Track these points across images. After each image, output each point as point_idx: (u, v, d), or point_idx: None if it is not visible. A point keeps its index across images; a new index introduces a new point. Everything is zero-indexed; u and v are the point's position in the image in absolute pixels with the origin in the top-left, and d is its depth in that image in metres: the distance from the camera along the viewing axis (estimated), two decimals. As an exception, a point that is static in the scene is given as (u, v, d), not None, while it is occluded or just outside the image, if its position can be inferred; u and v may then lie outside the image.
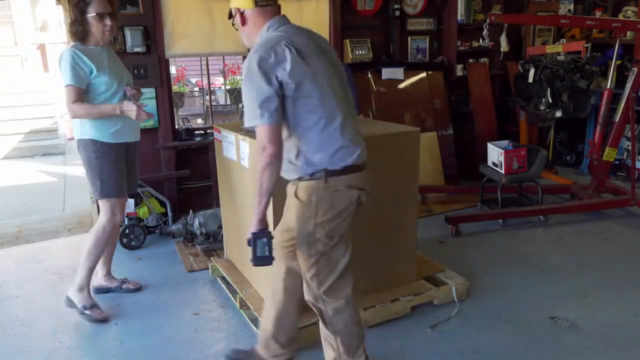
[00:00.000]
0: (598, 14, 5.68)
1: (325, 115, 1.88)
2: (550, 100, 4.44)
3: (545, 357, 2.46)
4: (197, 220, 3.75)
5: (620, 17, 5.48)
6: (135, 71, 3.97)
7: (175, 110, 5.92)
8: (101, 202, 2.84)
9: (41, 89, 8.54)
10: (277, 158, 1.85)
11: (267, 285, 2.29)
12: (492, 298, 3.01)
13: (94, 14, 2.65)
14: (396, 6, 4.83)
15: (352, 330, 2.12)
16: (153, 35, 4.00)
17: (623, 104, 4.22)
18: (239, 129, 2.82)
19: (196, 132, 4.52)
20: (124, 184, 2.86)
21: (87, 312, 2.84)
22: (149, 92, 4.06)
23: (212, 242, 3.74)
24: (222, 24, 4.28)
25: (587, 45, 4.95)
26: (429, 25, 5.11)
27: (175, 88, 8.88)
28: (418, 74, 4.94)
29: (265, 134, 1.82)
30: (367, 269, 2.82)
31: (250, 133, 2.69)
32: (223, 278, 3.18)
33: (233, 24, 2.11)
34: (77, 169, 6.48)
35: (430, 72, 4.99)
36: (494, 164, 4.30)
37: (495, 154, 4.27)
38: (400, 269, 2.95)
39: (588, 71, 4.45)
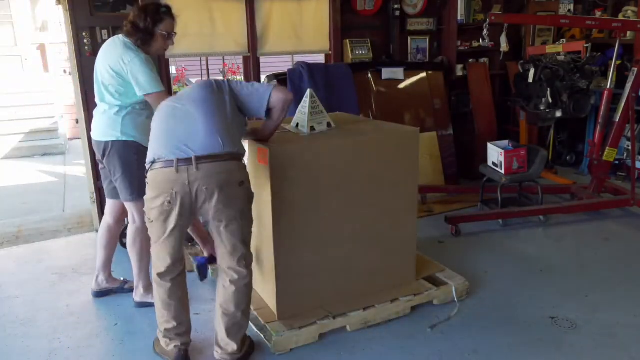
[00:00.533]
0: (598, 14, 5.68)
1: None
2: (550, 100, 4.44)
3: (545, 357, 2.47)
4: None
5: (620, 17, 5.47)
6: (135, 71, 3.98)
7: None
8: (135, 204, 2.80)
9: (41, 89, 8.54)
10: None
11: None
12: (492, 298, 3.01)
13: (164, 32, 2.71)
14: (396, 6, 4.83)
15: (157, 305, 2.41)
16: (153, 35, 4.00)
17: (623, 104, 4.22)
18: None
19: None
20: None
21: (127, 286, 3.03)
22: (149, 92, 4.06)
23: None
24: (222, 24, 4.29)
25: (587, 45, 4.95)
26: (429, 25, 5.11)
27: (175, 88, 8.85)
28: (418, 74, 4.94)
29: None
30: (367, 269, 2.82)
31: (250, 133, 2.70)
32: (223, 278, 3.17)
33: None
34: (77, 169, 6.48)
35: (430, 72, 4.99)
36: (494, 164, 4.31)
37: (495, 154, 4.27)
38: (400, 269, 2.95)
39: (588, 71, 4.45)
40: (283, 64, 7.30)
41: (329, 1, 4.61)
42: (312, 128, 2.74)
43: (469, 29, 5.24)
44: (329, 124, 2.82)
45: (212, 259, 2.81)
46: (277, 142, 2.52)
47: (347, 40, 4.77)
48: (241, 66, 5.30)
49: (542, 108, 4.52)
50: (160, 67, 4.07)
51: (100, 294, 3.11)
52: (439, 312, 2.86)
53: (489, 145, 4.37)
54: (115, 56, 2.65)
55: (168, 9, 2.74)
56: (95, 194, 4.10)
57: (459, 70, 5.21)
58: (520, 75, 4.74)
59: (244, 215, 2.29)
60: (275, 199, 2.46)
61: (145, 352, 2.56)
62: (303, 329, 2.55)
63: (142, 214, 2.77)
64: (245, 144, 2.65)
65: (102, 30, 3.86)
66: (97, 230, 4.19)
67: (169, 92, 4.18)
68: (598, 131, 4.31)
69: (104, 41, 3.84)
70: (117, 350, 2.60)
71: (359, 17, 4.80)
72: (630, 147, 4.59)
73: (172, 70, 8.76)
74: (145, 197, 2.29)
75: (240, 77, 9.66)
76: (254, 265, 2.82)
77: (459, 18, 5.08)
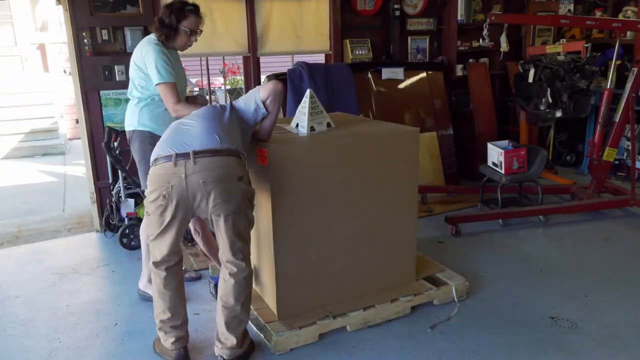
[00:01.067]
0: (598, 14, 5.68)
1: None
2: (550, 100, 4.44)
3: (545, 357, 2.47)
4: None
5: (620, 17, 5.47)
6: (135, 71, 3.98)
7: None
8: None
9: (41, 89, 8.54)
10: None
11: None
12: (492, 298, 3.01)
13: (187, 29, 2.78)
14: (396, 6, 4.83)
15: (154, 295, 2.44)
16: (153, 35, 4.00)
17: (623, 104, 4.22)
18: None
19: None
20: None
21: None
22: (149, 92, 4.07)
23: None
24: (222, 24, 4.29)
25: (587, 45, 4.95)
26: (429, 25, 5.12)
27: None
28: (418, 74, 4.94)
29: None
30: (367, 269, 2.82)
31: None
32: (223, 278, 3.17)
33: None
34: (77, 169, 6.48)
35: (430, 72, 4.99)
36: (494, 164, 4.31)
37: (495, 154, 4.27)
38: (400, 269, 2.95)
39: (588, 71, 4.45)
40: (283, 64, 7.29)
41: (329, 1, 4.62)
42: (312, 128, 2.74)
43: (469, 29, 5.24)
44: (328, 124, 2.82)
45: None
46: (276, 142, 2.52)
47: (347, 40, 4.77)
48: (241, 66, 5.30)
49: (542, 108, 4.52)
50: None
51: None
52: (439, 312, 2.86)
53: (489, 145, 4.37)
54: (138, 51, 2.81)
55: (195, 7, 2.82)
56: (95, 194, 4.11)
57: (459, 70, 5.21)
58: (520, 75, 4.75)
59: (241, 210, 2.29)
60: (275, 199, 2.46)
61: (145, 352, 2.56)
62: (303, 329, 2.55)
63: None
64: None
65: (102, 30, 3.86)
66: (97, 230, 4.21)
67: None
68: (598, 131, 4.31)
69: (104, 41, 3.89)
70: (117, 350, 2.60)
71: (359, 17, 4.81)
72: (630, 147, 4.59)
73: (172, 70, 8.76)
74: (146, 192, 2.33)
75: (240, 77, 9.66)
76: (254, 265, 2.83)
77: (459, 18, 5.08)
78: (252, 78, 4.55)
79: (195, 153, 2.20)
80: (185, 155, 2.20)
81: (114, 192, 3.95)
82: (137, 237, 3.81)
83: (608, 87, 4.27)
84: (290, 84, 4.35)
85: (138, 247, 3.80)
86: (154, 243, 2.37)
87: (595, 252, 3.64)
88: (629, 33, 5.03)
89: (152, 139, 2.79)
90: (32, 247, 4.01)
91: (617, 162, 4.94)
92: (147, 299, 2.98)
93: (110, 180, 4.00)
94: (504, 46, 4.35)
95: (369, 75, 4.73)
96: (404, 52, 5.08)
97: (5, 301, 3.11)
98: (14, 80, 8.53)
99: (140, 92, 2.83)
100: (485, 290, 3.10)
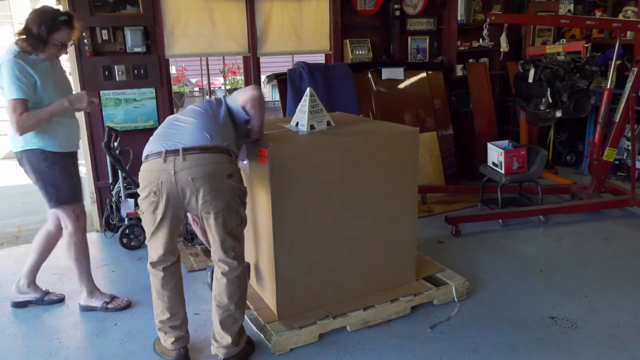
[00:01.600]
0: (598, 14, 5.68)
1: None
2: (550, 100, 4.43)
3: (545, 357, 2.46)
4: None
5: (620, 17, 5.47)
6: (135, 71, 3.98)
7: (175, 110, 5.91)
8: (61, 210, 2.77)
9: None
10: None
11: None
12: (492, 298, 3.01)
13: (58, 42, 2.59)
14: (396, 6, 4.83)
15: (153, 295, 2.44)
16: (153, 35, 4.00)
17: (623, 104, 4.22)
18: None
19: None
20: (80, 188, 2.85)
21: (111, 305, 2.93)
22: (149, 92, 4.07)
23: None
24: (222, 24, 4.29)
25: (587, 45, 4.95)
26: (429, 25, 5.12)
27: (175, 88, 8.88)
28: (418, 74, 4.94)
29: None
30: (367, 269, 2.82)
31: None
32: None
33: None
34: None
35: (430, 72, 4.99)
36: (494, 164, 4.31)
37: (495, 154, 4.27)
38: (400, 269, 2.95)
39: (588, 71, 4.45)
40: (283, 64, 7.30)
41: (329, 1, 4.62)
42: (312, 127, 2.74)
43: (469, 29, 5.24)
44: (328, 123, 2.82)
45: None
46: (276, 141, 2.52)
47: (347, 40, 4.77)
48: (241, 66, 5.30)
49: (542, 108, 4.52)
50: (160, 67, 4.08)
51: (18, 304, 3.00)
52: (439, 312, 2.86)
53: (489, 145, 4.37)
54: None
55: (69, 18, 2.61)
56: (95, 194, 4.11)
57: (459, 70, 5.21)
58: (520, 75, 4.74)
59: (231, 208, 2.27)
60: (275, 199, 2.46)
61: (145, 352, 2.56)
62: (303, 329, 2.55)
63: (71, 219, 2.79)
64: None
65: (102, 30, 3.86)
66: (97, 230, 4.20)
67: (168, 92, 4.20)
68: (598, 131, 4.31)
69: (104, 41, 3.89)
70: (117, 350, 2.60)
71: (359, 17, 4.81)
72: (630, 147, 4.59)
73: (172, 70, 8.77)
74: (139, 190, 2.32)
75: (240, 77, 9.66)
76: (254, 265, 2.83)
77: (459, 18, 5.08)
78: (252, 78, 4.55)
79: (185, 149, 2.20)
80: (175, 152, 2.20)
81: (114, 192, 3.95)
82: (137, 237, 3.81)
83: (608, 87, 4.27)
84: (290, 84, 4.35)
85: (138, 247, 3.81)
86: (150, 243, 2.36)
87: (595, 252, 3.64)
88: (629, 33, 5.02)
89: (44, 155, 2.65)
90: (32, 247, 4.00)
91: (617, 162, 4.94)
92: (89, 309, 2.97)
93: (110, 180, 4.00)
94: (504, 46, 4.35)
95: (369, 75, 4.73)
96: (404, 52, 5.08)
97: (6, 301, 3.11)
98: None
99: None
100: (485, 290, 3.10)
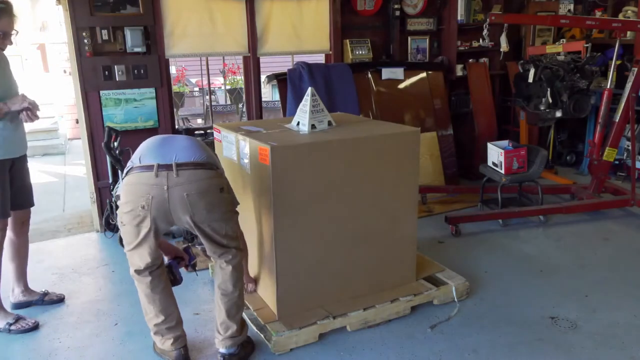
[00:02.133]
0: (598, 14, 5.68)
1: None
2: (550, 100, 4.43)
3: (545, 357, 2.46)
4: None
5: (620, 17, 5.47)
6: (135, 71, 3.98)
7: (175, 110, 5.92)
8: None
9: (41, 89, 8.54)
10: None
11: None
12: (492, 298, 3.01)
13: (0, 32, 2.53)
14: (396, 6, 4.83)
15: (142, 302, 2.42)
16: (153, 35, 4.00)
17: (623, 104, 4.22)
18: (238, 128, 2.82)
19: (196, 132, 4.53)
20: (7, 205, 2.68)
21: (14, 327, 2.75)
22: (149, 93, 4.07)
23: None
24: (222, 24, 4.29)
25: (587, 45, 4.95)
26: (429, 25, 5.12)
27: (175, 88, 8.87)
28: (418, 74, 4.95)
29: None
30: (367, 269, 2.82)
31: (251, 133, 2.70)
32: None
33: None
34: (77, 169, 6.48)
35: (430, 72, 4.99)
36: (494, 164, 4.31)
37: (495, 154, 4.27)
38: (400, 269, 2.95)
39: (588, 71, 4.45)
40: (283, 64, 7.30)
41: (329, 1, 4.62)
42: (313, 126, 2.74)
43: (469, 29, 5.24)
44: (329, 123, 2.82)
45: (180, 260, 2.69)
46: (277, 141, 2.52)
47: (347, 40, 4.77)
48: (241, 66, 5.30)
49: (542, 108, 4.52)
50: (160, 67, 4.08)
51: (20, 305, 3.00)
52: (439, 312, 2.86)
53: (489, 145, 4.37)
54: None
55: (6, 6, 2.54)
56: (95, 194, 4.11)
57: (459, 70, 5.21)
58: (520, 75, 4.74)
59: (226, 217, 2.32)
60: (276, 198, 2.46)
61: (145, 352, 2.56)
62: (303, 329, 2.55)
63: None
64: (246, 144, 2.65)
65: (102, 30, 3.86)
66: (97, 230, 4.21)
67: (168, 92, 4.20)
68: (598, 131, 4.31)
69: (104, 41, 3.89)
70: (117, 350, 2.60)
71: (359, 17, 4.81)
72: (630, 147, 4.59)
73: (172, 70, 8.77)
74: (119, 202, 2.27)
75: (240, 77, 9.66)
76: (254, 265, 2.83)
77: (459, 18, 5.08)
78: (252, 78, 4.55)
79: (178, 165, 2.18)
80: (168, 167, 2.18)
81: (114, 192, 3.95)
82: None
83: (608, 87, 4.27)
84: (290, 84, 4.35)
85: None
86: (132, 253, 2.31)
87: (595, 252, 3.64)
88: (629, 33, 5.02)
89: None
90: (32, 247, 3.95)
91: (617, 162, 4.94)
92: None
93: (110, 180, 4.00)
94: (504, 46, 4.35)
95: (369, 75, 4.73)
96: (404, 52, 5.08)
97: (5, 301, 3.10)
98: (13, 80, 8.53)
99: None
100: (485, 290, 3.10)
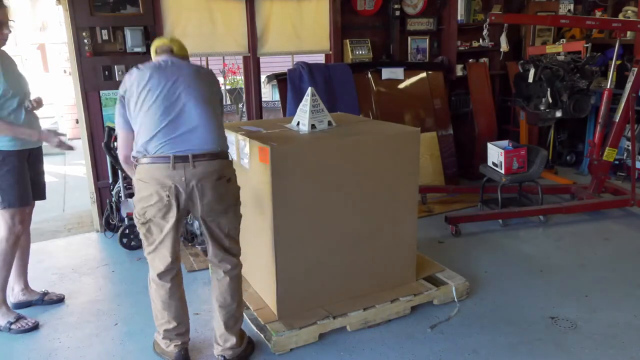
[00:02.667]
0: (598, 14, 5.68)
1: None
2: (550, 100, 4.43)
3: (545, 357, 2.46)
4: (197, 221, 3.75)
5: (620, 17, 5.47)
6: (135, 71, 3.98)
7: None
8: (0, 213, 2.69)
9: (41, 89, 8.55)
10: None
11: None
12: (492, 298, 3.01)
13: None
14: (396, 6, 4.83)
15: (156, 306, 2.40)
16: (153, 35, 3.99)
17: (623, 104, 4.22)
18: (238, 128, 2.82)
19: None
20: (28, 192, 2.75)
21: (14, 326, 2.76)
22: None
23: None
24: (222, 25, 4.29)
25: (587, 45, 4.95)
26: (429, 25, 5.12)
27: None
28: (418, 74, 4.95)
29: None
30: (368, 269, 2.82)
31: (251, 133, 2.70)
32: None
33: None
34: (77, 169, 6.48)
35: (430, 72, 4.99)
36: (494, 164, 4.30)
37: (495, 154, 4.27)
38: (400, 269, 2.95)
39: (588, 71, 4.45)
40: (283, 64, 7.30)
41: (329, 1, 4.62)
42: (313, 126, 2.74)
43: (469, 29, 5.24)
44: (329, 123, 2.82)
45: None
46: (277, 141, 2.52)
47: (347, 40, 4.77)
48: (241, 66, 5.30)
49: (542, 108, 4.52)
50: (160, 67, 4.07)
51: (19, 305, 2.98)
52: (439, 312, 2.86)
53: (489, 145, 4.37)
54: None
55: None
56: (95, 194, 4.10)
57: (459, 70, 5.21)
58: (520, 75, 4.75)
59: (230, 210, 2.30)
60: (276, 198, 2.46)
61: (145, 352, 2.56)
62: (303, 329, 2.55)
63: (7, 225, 2.69)
64: (246, 143, 2.65)
65: (102, 30, 3.86)
66: (97, 230, 4.20)
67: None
68: (598, 131, 4.31)
69: (104, 41, 3.89)
70: (117, 350, 2.60)
71: (359, 17, 4.81)
72: (630, 147, 4.59)
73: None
74: (135, 199, 2.24)
75: (240, 77, 9.65)
76: (254, 265, 2.83)
77: (459, 18, 5.08)
78: (252, 78, 4.55)
79: (195, 157, 2.16)
80: (184, 159, 2.15)
81: (114, 192, 3.95)
82: (137, 237, 3.81)
83: (608, 87, 4.27)
84: (290, 84, 4.35)
85: (138, 247, 3.80)
86: (155, 253, 2.29)
87: (595, 252, 3.64)
88: (629, 33, 5.02)
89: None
90: (32, 247, 3.95)
91: (617, 162, 4.94)
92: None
93: (110, 180, 4.00)
94: (504, 46, 4.35)
95: (369, 75, 4.73)
96: (404, 52, 5.08)
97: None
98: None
99: None
100: (485, 290, 3.10)
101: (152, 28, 3.99)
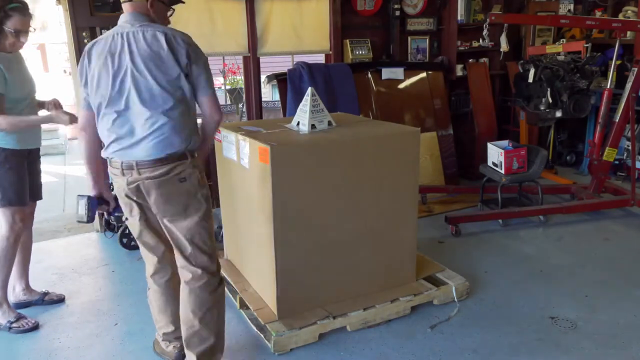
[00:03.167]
0: (598, 14, 5.68)
1: None
2: (550, 100, 4.43)
3: (545, 357, 2.46)
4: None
5: (620, 17, 5.47)
6: (135, 71, 3.98)
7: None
8: (1, 211, 2.70)
9: (41, 89, 8.55)
10: None
11: None
12: (492, 298, 3.01)
13: (12, 29, 2.53)
14: (396, 6, 4.83)
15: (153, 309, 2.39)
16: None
17: (623, 104, 4.22)
18: (238, 128, 2.82)
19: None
20: (27, 191, 2.76)
21: (15, 325, 2.76)
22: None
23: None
24: (222, 24, 4.28)
25: (587, 45, 4.95)
26: (429, 25, 5.12)
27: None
28: (418, 74, 4.94)
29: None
30: (368, 269, 2.82)
31: (251, 133, 2.70)
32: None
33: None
34: (77, 169, 6.48)
35: (430, 72, 4.99)
36: (494, 164, 4.30)
37: (495, 154, 4.27)
38: (400, 269, 2.95)
39: (588, 71, 4.45)
40: (283, 64, 7.29)
41: (329, 1, 4.62)
42: (313, 126, 2.74)
43: (469, 29, 5.24)
44: (329, 123, 2.82)
45: (102, 203, 2.43)
46: (277, 141, 2.52)
47: (347, 40, 4.77)
48: (241, 66, 5.30)
49: (542, 108, 4.52)
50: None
51: (19, 305, 2.97)
52: (439, 312, 2.86)
53: (489, 145, 4.37)
54: None
55: (22, 5, 2.55)
56: (95, 194, 4.10)
57: (459, 70, 5.21)
58: (520, 75, 4.75)
59: (192, 213, 2.09)
60: (275, 198, 2.46)
61: (145, 352, 2.56)
62: (303, 329, 2.55)
63: (8, 223, 2.70)
64: (246, 144, 2.65)
65: (102, 30, 3.85)
66: (97, 230, 4.20)
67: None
68: (598, 131, 4.31)
69: (104, 41, 3.88)
70: (117, 350, 2.60)
71: (359, 17, 4.80)
72: (630, 147, 4.59)
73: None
74: None
75: (240, 77, 9.66)
76: (254, 265, 2.83)
77: (459, 18, 5.08)
78: (252, 78, 4.55)
79: (138, 164, 2.03)
80: (130, 167, 2.05)
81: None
82: (137, 237, 3.81)
83: (608, 87, 4.27)
84: (290, 84, 4.35)
85: (138, 247, 3.79)
86: (142, 254, 2.30)
87: (595, 252, 3.64)
88: (629, 33, 5.02)
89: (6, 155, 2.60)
90: (33, 246, 3.99)
91: (617, 162, 4.94)
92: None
93: (110, 180, 3.99)
94: (504, 46, 4.35)
95: (369, 75, 4.73)
96: (404, 52, 5.08)
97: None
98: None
99: None
100: (485, 290, 3.10)
101: (152, 28, 3.98)
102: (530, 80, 4.55)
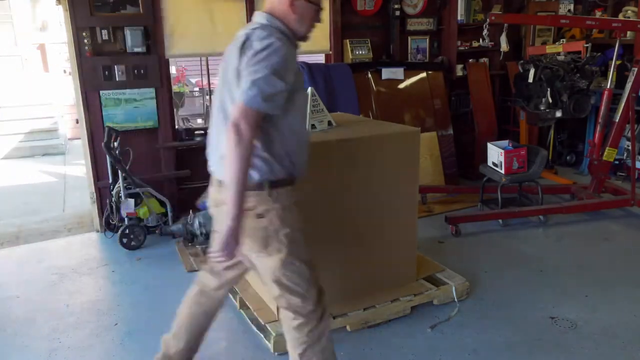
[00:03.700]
0: (598, 14, 5.68)
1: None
2: (550, 100, 4.44)
3: (545, 357, 2.46)
4: (197, 220, 3.75)
5: (620, 17, 5.47)
6: (135, 71, 3.98)
7: (175, 110, 5.92)
8: None
9: (41, 89, 8.55)
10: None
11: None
12: (492, 298, 3.01)
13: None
14: (396, 6, 4.83)
15: None
16: (153, 35, 4.00)
17: (623, 104, 4.22)
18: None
19: (196, 132, 4.52)
20: None
21: None
22: (149, 93, 4.07)
23: None
24: (223, 24, 4.28)
25: (587, 45, 4.95)
26: (429, 25, 5.12)
27: (175, 88, 8.85)
28: (418, 74, 4.94)
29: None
30: (368, 269, 2.82)
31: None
32: (223, 278, 3.17)
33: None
34: (77, 169, 6.47)
35: (430, 72, 4.99)
36: (494, 164, 4.31)
37: (495, 154, 4.27)
38: (400, 269, 2.95)
39: (588, 71, 4.45)
40: (283, 64, 7.21)
41: (329, 1, 4.61)
42: (313, 126, 2.74)
43: (469, 29, 5.24)
44: (329, 123, 2.82)
45: None
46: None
47: (347, 40, 4.77)
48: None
49: (542, 108, 4.52)
50: (160, 67, 4.08)
51: None
52: (439, 312, 2.86)
53: (489, 145, 4.37)
54: None
55: None
56: (95, 194, 4.10)
57: (459, 70, 5.21)
58: (520, 75, 4.75)
59: (272, 251, 1.89)
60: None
61: (145, 352, 2.55)
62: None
63: None
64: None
65: (102, 30, 3.86)
66: (97, 230, 4.21)
67: (168, 92, 4.21)
68: (598, 131, 4.31)
69: (104, 41, 3.89)
70: (117, 351, 2.60)
71: (359, 17, 4.80)
72: (630, 147, 4.59)
73: (172, 70, 8.77)
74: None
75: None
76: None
77: (459, 18, 5.08)
78: (252, 78, 4.54)
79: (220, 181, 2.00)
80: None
81: (114, 192, 3.95)
82: (137, 237, 3.81)
83: (608, 87, 4.27)
84: (290, 84, 4.35)
85: (138, 247, 3.81)
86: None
87: (595, 252, 3.64)
88: (629, 33, 5.03)
89: None
90: (32, 247, 4.01)
91: (617, 162, 4.94)
92: None
93: (110, 180, 4.00)
94: (504, 46, 4.35)
95: (369, 75, 4.73)
96: (404, 52, 5.08)
97: (6, 301, 3.11)
98: (14, 80, 8.54)
99: None
100: (485, 290, 3.10)
101: (152, 28, 3.99)
102: (530, 80, 4.55)
